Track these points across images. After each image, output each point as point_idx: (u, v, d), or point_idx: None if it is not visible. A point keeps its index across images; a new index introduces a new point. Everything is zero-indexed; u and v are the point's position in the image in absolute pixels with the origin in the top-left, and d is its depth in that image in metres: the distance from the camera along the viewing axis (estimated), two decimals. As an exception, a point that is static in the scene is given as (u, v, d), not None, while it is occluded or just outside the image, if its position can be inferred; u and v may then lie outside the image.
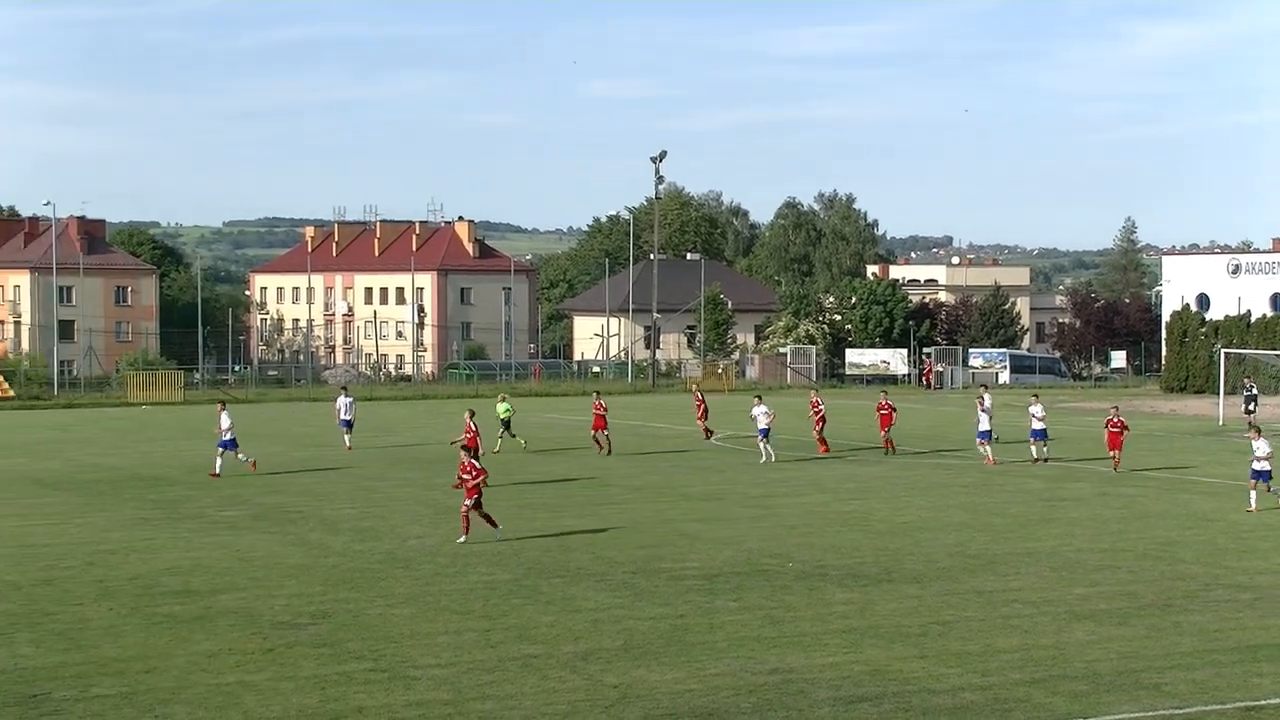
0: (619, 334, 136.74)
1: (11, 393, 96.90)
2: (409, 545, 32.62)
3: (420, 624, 24.34)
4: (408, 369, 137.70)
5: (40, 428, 71.78)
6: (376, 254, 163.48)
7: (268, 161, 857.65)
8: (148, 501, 40.87)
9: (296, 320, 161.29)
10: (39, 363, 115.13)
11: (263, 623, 24.55)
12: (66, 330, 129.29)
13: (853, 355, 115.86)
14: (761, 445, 50.18)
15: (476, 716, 18.97)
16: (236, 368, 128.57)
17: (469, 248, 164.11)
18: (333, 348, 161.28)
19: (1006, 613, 25.25)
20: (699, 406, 58.32)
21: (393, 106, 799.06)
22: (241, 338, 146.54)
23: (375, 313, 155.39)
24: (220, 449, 46.66)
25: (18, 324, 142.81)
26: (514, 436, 53.88)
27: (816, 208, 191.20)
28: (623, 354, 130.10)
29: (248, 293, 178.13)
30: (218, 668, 21.54)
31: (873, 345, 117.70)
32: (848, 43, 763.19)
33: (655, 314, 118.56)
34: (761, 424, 50.07)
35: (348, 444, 55.29)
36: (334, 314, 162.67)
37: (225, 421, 46.60)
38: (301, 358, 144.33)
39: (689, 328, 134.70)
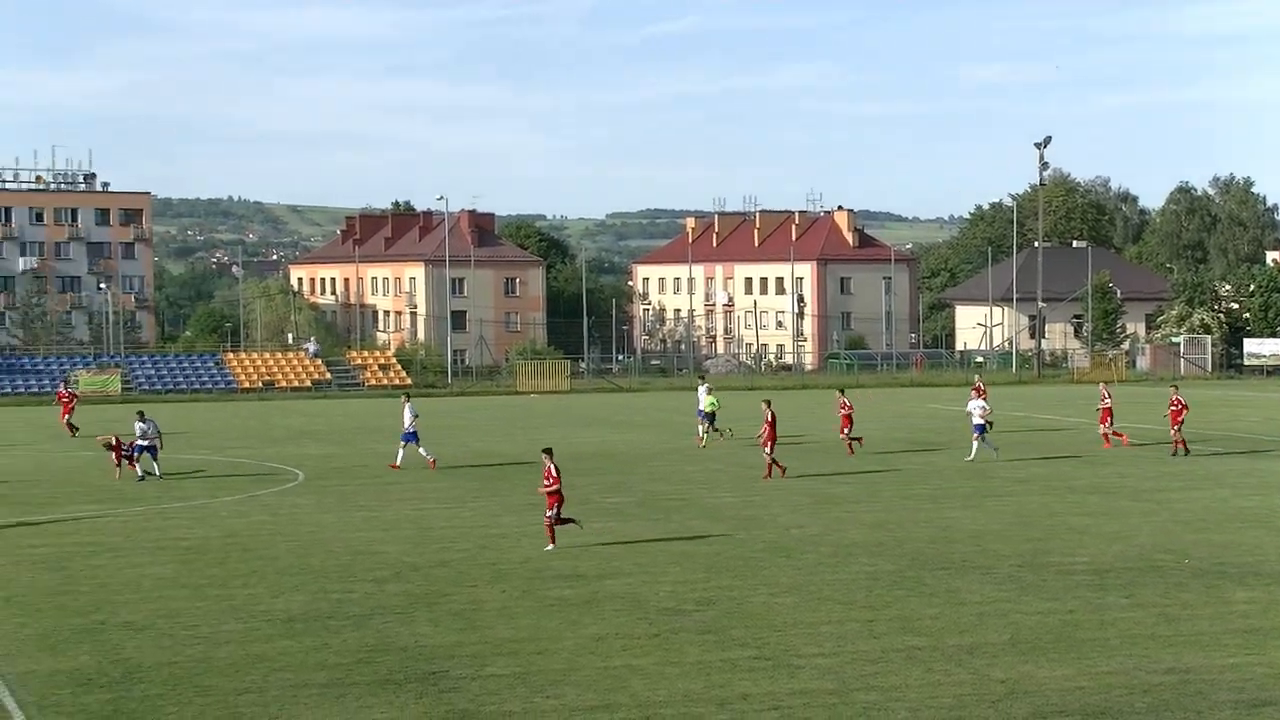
0: (1002, 323, 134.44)
1: (409, 381, 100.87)
2: (790, 534, 32.64)
3: (803, 613, 24.30)
4: (788, 358, 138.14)
5: (435, 415, 74.41)
6: (756, 244, 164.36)
7: (649, 154, 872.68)
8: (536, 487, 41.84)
9: (678, 310, 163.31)
10: (433, 352, 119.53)
11: (648, 608, 24.86)
12: (459, 320, 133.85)
13: (1251, 345, 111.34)
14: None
15: (861, 707, 18.81)
16: (620, 357, 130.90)
17: (848, 237, 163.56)
18: (713, 337, 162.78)
19: None
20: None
21: (772, 98, 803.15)
22: (625, 328, 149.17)
23: (755, 302, 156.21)
24: (403, 441, 46.87)
25: (414, 314, 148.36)
26: (718, 431, 53.00)
27: (1211, 192, 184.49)
28: (1006, 344, 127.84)
29: (630, 283, 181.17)
30: (606, 651, 21.89)
31: (1273, 334, 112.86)
32: (1241, 20, 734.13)
33: (1040, 303, 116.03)
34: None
35: (700, 435, 54.36)
36: (714, 304, 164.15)
37: (408, 415, 46.64)
38: (683, 347, 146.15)
39: (1075, 317, 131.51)
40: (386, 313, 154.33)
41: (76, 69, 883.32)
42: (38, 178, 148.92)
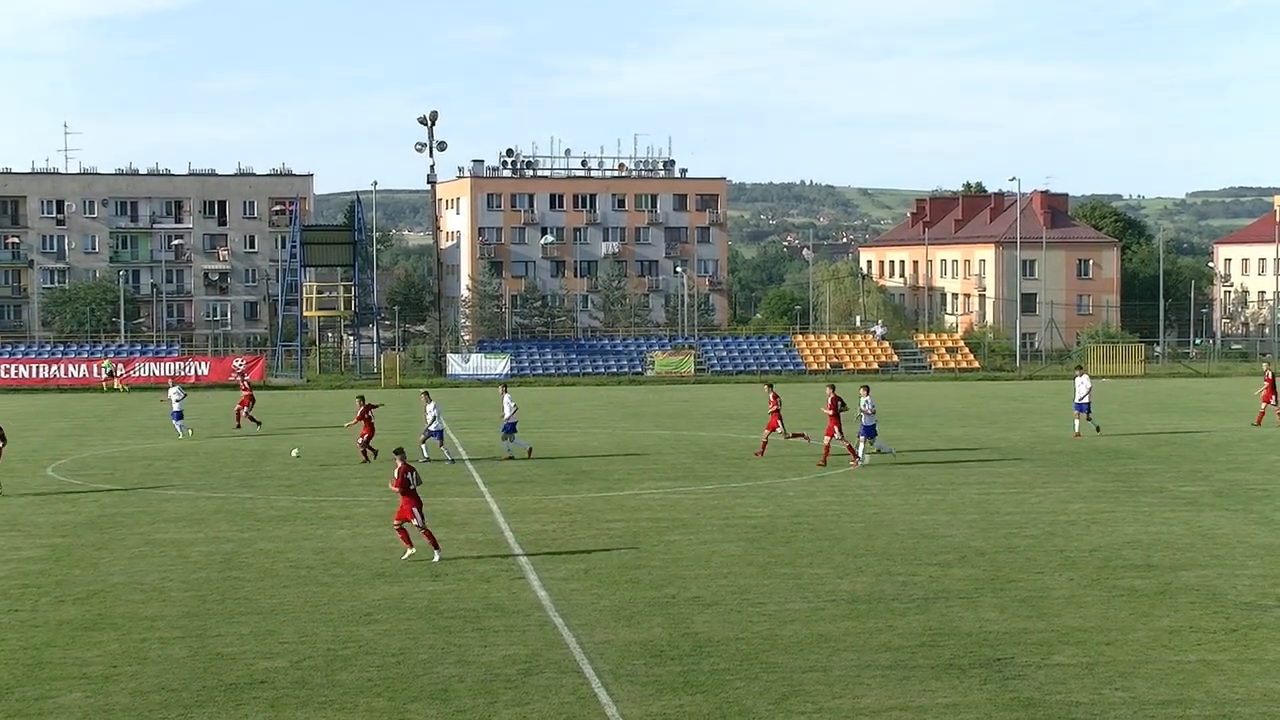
0: None
1: (977, 364, 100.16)
2: (1385, 530, 30.64)
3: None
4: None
5: (1001, 398, 73.60)
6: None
7: (1233, 130, 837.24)
8: (1107, 474, 40.80)
9: (1262, 293, 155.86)
10: (1002, 335, 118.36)
11: (1226, 602, 23.81)
12: (1029, 303, 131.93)
13: None
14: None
15: None
16: (1198, 341, 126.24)
17: None
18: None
19: None
20: None
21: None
22: (1204, 310, 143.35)
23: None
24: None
25: (983, 297, 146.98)
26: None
27: None
28: None
29: (1211, 264, 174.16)
30: (1179, 645, 21.08)
31: None
32: None
33: None
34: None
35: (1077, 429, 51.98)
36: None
37: (866, 405, 43.82)
38: (1267, 331, 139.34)
39: None
40: (955, 295, 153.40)
41: (660, 60, 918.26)
42: (620, 165, 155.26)
